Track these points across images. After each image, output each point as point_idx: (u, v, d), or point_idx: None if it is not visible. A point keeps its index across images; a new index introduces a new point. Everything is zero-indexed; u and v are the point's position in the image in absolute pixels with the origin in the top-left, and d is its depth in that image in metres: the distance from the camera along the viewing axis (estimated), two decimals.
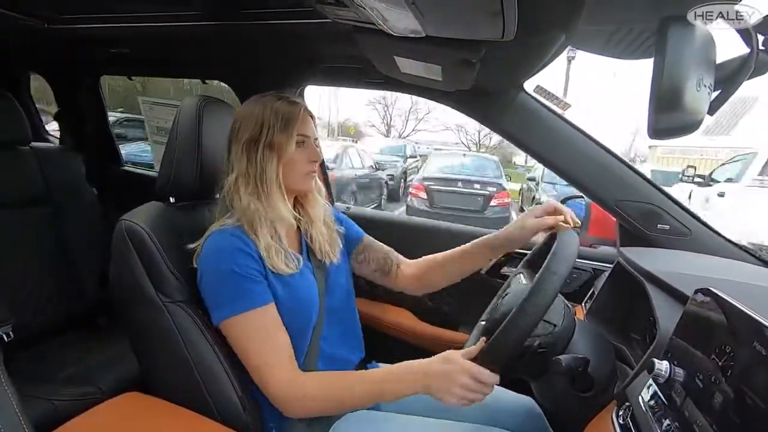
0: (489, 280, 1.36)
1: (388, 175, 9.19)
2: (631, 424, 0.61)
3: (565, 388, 0.78)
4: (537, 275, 0.70)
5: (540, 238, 0.95)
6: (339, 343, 0.93)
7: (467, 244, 1.01)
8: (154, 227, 0.84)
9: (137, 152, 5.85)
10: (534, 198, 7.76)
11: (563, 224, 0.86)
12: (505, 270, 1.37)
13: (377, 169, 8.65)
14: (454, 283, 1.05)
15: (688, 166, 5.69)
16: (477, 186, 6.64)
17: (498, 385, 0.74)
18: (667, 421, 0.55)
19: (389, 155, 11.03)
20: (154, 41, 1.43)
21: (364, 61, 1.08)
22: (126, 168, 2.15)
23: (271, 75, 1.49)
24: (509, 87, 1.17)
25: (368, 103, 27.93)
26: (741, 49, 0.52)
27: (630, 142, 23.68)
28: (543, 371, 0.78)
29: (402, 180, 10.24)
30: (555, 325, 0.75)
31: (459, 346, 0.88)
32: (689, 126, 0.49)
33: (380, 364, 1.06)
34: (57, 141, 2.11)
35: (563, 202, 1.50)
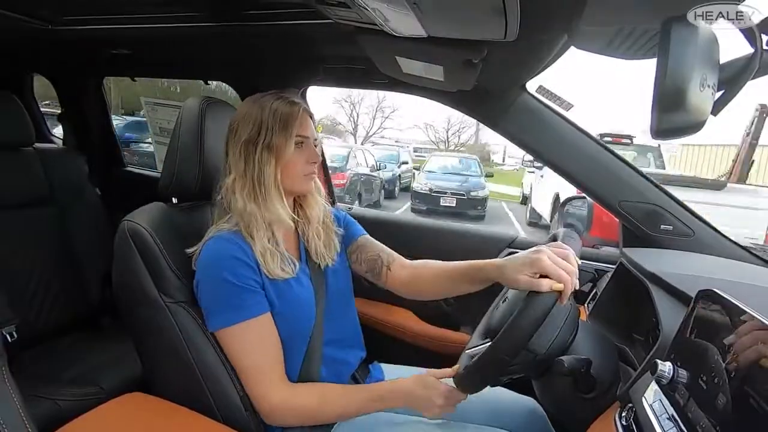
0: None
1: (384, 176, 10.11)
2: (634, 425, 0.61)
3: (568, 389, 0.77)
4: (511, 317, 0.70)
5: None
6: (338, 346, 0.93)
7: (465, 265, 0.90)
8: (156, 228, 0.85)
9: None
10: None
11: (554, 286, 0.70)
12: None
13: (378, 169, 9.45)
14: (442, 299, 1.03)
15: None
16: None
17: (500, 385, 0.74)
18: (671, 423, 0.55)
19: (387, 162, 11.63)
20: (157, 42, 1.43)
21: (366, 61, 1.08)
22: (129, 169, 2.17)
23: (274, 76, 1.49)
24: (511, 87, 1.17)
25: (334, 101, 27.93)
26: (745, 48, 0.52)
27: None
28: (545, 372, 0.78)
29: (397, 181, 11.53)
30: (536, 354, 0.74)
31: (460, 346, 0.89)
32: (693, 126, 0.49)
33: (381, 365, 1.06)
34: (60, 142, 2.12)
35: (567, 201, 1.49)
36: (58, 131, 2.32)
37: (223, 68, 1.67)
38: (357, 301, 1.03)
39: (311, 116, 0.90)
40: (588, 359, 0.72)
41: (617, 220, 1.19)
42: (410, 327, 1.43)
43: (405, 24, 0.70)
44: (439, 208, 8.63)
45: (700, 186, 4.16)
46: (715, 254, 1.06)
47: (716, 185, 4.21)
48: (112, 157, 2.12)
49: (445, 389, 0.80)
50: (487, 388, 0.77)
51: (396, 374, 0.98)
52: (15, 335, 1.19)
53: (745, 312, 0.52)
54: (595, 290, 1.16)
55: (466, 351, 0.85)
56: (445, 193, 8.71)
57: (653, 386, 0.61)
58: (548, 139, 1.17)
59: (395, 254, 1.02)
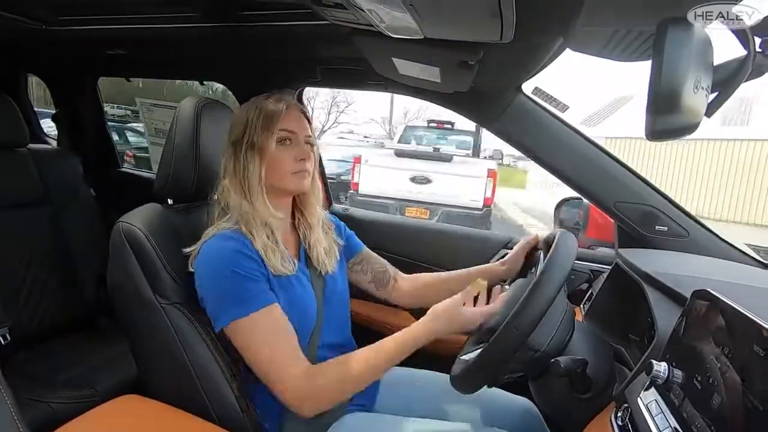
0: None
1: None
2: (629, 425, 0.61)
3: (564, 389, 0.77)
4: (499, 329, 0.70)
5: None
6: (335, 350, 0.92)
7: (470, 270, 1.06)
8: (151, 229, 0.84)
9: None
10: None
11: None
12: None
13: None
14: None
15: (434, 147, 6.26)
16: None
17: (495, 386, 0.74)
18: (666, 423, 0.55)
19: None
20: (153, 43, 1.43)
21: (363, 62, 1.08)
22: (124, 169, 2.15)
23: (270, 76, 1.49)
24: (507, 89, 1.17)
25: None
26: (738, 51, 0.52)
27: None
28: (541, 373, 0.78)
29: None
30: (536, 351, 0.74)
31: (457, 347, 0.89)
32: (687, 128, 0.49)
33: None
34: (55, 143, 2.11)
35: (563, 203, 1.50)
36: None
37: (218, 69, 1.67)
38: (355, 302, 1.04)
39: (306, 115, 0.90)
40: (584, 360, 0.72)
41: (612, 221, 1.20)
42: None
43: (401, 25, 0.71)
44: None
45: (434, 158, 5.48)
46: (709, 255, 1.07)
47: (446, 158, 5.49)
48: (106, 157, 2.10)
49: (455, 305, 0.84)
50: (483, 389, 0.77)
51: (394, 376, 0.98)
52: (8, 337, 1.19)
53: (739, 312, 0.52)
54: (590, 291, 1.17)
55: (461, 357, 0.85)
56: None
57: (649, 386, 0.61)
58: (544, 141, 1.18)
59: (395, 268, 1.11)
